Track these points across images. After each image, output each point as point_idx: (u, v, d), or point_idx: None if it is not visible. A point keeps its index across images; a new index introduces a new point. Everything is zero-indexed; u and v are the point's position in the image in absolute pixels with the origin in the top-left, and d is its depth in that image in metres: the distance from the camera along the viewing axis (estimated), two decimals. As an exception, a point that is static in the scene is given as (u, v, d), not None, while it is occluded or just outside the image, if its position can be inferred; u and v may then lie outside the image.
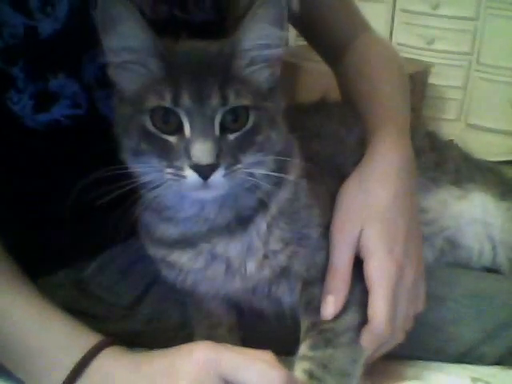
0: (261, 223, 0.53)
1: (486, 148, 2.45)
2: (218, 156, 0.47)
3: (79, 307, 0.58)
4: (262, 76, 0.51)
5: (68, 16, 0.57)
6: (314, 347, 0.54)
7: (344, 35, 0.81)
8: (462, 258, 0.72)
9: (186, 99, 0.47)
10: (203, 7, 0.67)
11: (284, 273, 0.56)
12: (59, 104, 0.59)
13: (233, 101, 0.48)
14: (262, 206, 0.53)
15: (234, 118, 0.48)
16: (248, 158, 0.49)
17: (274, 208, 0.54)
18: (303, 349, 0.54)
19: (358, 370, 0.54)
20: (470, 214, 0.72)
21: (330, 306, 0.54)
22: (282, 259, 0.55)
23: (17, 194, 0.62)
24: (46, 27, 0.56)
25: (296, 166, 0.55)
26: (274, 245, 0.54)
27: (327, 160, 0.63)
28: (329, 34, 0.82)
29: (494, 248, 0.72)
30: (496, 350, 0.64)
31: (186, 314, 0.65)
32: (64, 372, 0.50)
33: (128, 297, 0.66)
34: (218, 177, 0.47)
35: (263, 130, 0.50)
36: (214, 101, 0.47)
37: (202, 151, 0.46)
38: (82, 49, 0.58)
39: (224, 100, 0.47)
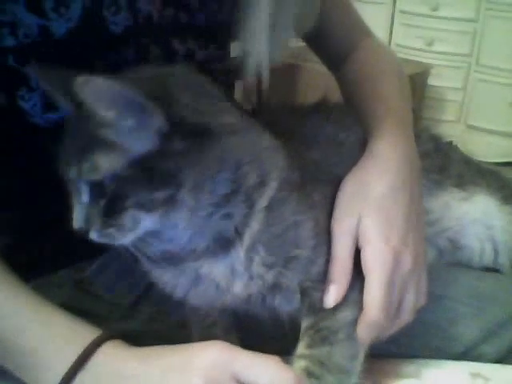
0: (239, 250, 0.53)
1: (486, 149, 2.47)
2: (87, 221, 0.49)
3: (79, 307, 0.58)
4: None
5: (81, 16, 0.57)
6: (310, 345, 0.54)
7: (346, 42, 0.82)
8: (464, 257, 0.72)
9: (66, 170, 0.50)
10: (207, 10, 0.67)
11: (275, 288, 0.55)
12: None
13: (86, 174, 0.48)
14: (238, 233, 0.53)
15: (95, 187, 0.49)
16: (124, 221, 0.48)
17: (247, 238, 0.53)
18: (300, 348, 0.54)
19: (357, 367, 0.54)
20: (473, 215, 0.72)
21: (332, 295, 0.54)
22: (268, 279, 0.54)
23: (17, 193, 0.62)
24: (60, 27, 0.57)
25: (273, 189, 0.53)
26: (257, 269, 0.54)
27: (326, 167, 0.63)
28: (331, 40, 0.82)
29: (495, 249, 0.72)
30: (496, 349, 0.64)
31: (186, 314, 0.65)
32: (65, 365, 0.50)
33: (128, 297, 0.66)
34: (94, 238, 0.49)
35: (134, 197, 0.48)
36: (73, 172, 0.49)
37: (74, 217, 0.49)
38: (95, 48, 0.59)
39: (79, 172, 0.48)
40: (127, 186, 0.48)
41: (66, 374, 0.50)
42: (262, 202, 0.52)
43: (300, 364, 0.53)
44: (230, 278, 0.54)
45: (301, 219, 0.55)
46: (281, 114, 0.70)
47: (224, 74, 0.75)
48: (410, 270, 0.57)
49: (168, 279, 0.55)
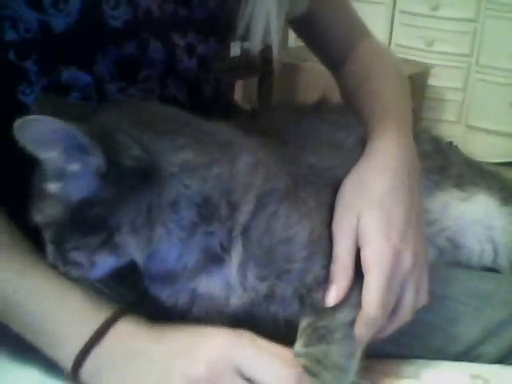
0: (230, 266, 0.53)
1: (486, 149, 2.47)
2: (54, 258, 0.53)
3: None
4: None
5: (80, 11, 0.57)
6: (308, 344, 0.54)
7: (345, 43, 0.82)
8: (463, 257, 0.72)
9: None
10: (207, 5, 0.67)
11: (270, 297, 0.55)
12: (70, 97, 0.60)
13: (36, 218, 0.52)
14: (225, 249, 0.53)
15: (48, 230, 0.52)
16: (78, 261, 0.52)
17: (235, 255, 0.53)
18: (297, 346, 0.54)
19: (355, 365, 0.54)
20: (472, 215, 0.72)
21: (332, 295, 0.55)
22: (262, 290, 0.54)
23: (17, 189, 0.62)
24: (59, 22, 0.57)
25: (247, 212, 0.53)
26: (251, 282, 0.54)
27: (325, 169, 0.62)
28: (329, 41, 0.83)
29: (495, 249, 0.72)
30: (496, 349, 0.63)
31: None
32: (81, 341, 0.52)
33: (129, 295, 0.66)
34: (64, 272, 0.54)
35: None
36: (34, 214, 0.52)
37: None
38: (95, 42, 0.59)
39: (35, 216, 0.52)
40: (65, 230, 0.50)
41: (82, 349, 0.51)
42: (237, 227, 0.52)
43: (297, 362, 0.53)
44: (227, 292, 0.54)
45: (292, 233, 0.54)
46: (279, 115, 0.70)
47: (224, 73, 0.75)
48: (410, 268, 0.57)
49: (167, 298, 0.55)
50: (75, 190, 0.49)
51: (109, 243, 0.50)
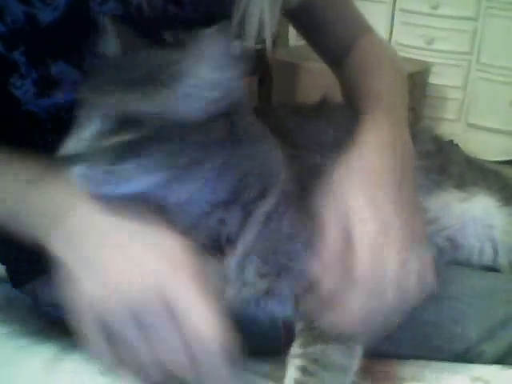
0: (231, 259, 0.53)
1: (486, 148, 2.47)
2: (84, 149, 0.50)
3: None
4: None
5: (68, 4, 0.57)
6: (304, 344, 0.54)
7: (346, 37, 0.82)
8: (463, 256, 0.72)
9: None
10: (197, 3, 0.67)
11: (268, 294, 0.55)
12: (60, 89, 0.60)
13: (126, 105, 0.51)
14: (230, 241, 0.53)
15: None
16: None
17: (240, 247, 0.53)
18: (295, 347, 0.54)
19: (355, 365, 0.54)
20: (472, 214, 0.72)
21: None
22: (260, 287, 0.55)
23: None
24: (46, 15, 0.57)
25: (270, 204, 0.54)
26: (249, 277, 0.54)
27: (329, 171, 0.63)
28: (331, 36, 0.82)
29: (494, 249, 0.72)
30: (496, 349, 0.63)
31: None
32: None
33: None
34: (80, 174, 0.50)
35: None
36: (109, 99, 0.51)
37: (70, 142, 0.51)
38: (82, 37, 0.59)
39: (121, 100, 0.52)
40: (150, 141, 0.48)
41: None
42: (258, 216, 0.53)
43: (295, 363, 0.53)
44: (222, 283, 0.54)
45: (296, 232, 0.55)
46: (283, 115, 0.70)
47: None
48: (401, 243, 0.54)
49: None
50: (190, 110, 0.49)
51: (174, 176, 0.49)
